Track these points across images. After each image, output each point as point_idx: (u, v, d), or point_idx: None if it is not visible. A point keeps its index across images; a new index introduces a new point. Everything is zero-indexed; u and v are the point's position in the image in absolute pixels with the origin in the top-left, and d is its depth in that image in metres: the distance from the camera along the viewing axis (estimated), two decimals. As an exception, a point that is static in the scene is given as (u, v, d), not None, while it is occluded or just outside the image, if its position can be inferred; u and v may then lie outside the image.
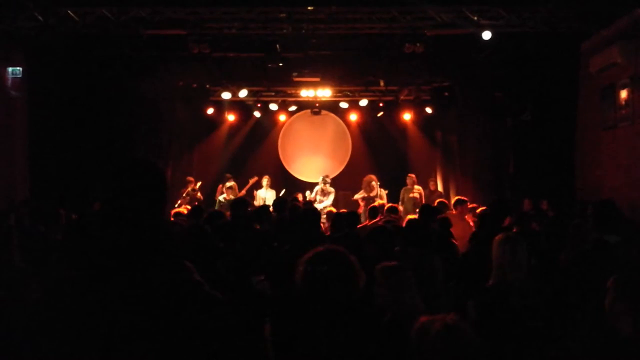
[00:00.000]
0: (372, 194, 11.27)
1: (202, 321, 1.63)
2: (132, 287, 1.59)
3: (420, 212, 6.68)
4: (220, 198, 11.14)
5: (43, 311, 1.64)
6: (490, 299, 3.33)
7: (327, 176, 11.70)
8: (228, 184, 11.26)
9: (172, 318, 1.58)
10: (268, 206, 7.08)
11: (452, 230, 6.25)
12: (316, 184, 11.72)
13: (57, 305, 1.61)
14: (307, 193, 11.46)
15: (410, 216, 8.17)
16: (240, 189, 11.67)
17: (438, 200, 8.55)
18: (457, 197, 8.34)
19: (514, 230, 5.51)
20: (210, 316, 1.66)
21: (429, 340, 2.01)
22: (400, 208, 10.52)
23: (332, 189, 11.49)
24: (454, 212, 7.58)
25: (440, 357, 1.98)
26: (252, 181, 11.89)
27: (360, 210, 10.98)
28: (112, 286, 1.59)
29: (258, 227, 5.89)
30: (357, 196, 11.56)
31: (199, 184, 11.38)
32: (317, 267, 2.37)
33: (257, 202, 11.26)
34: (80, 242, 3.85)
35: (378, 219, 7.27)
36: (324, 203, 10.94)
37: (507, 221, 5.54)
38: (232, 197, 10.94)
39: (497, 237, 3.57)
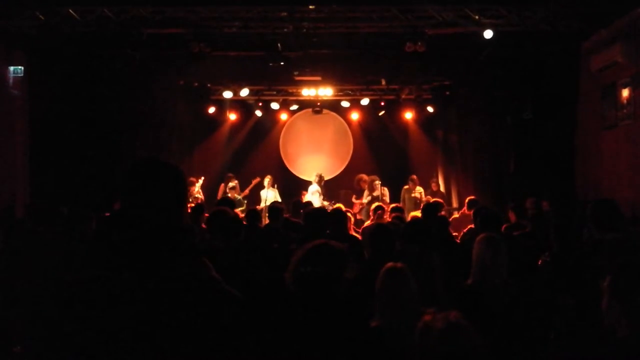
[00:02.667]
0: (374, 194, 11.28)
1: (219, 318, 1.65)
2: (150, 284, 1.61)
3: (422, 211, 6.73)
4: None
5: (59, 311, 1.66)
6: (467, 298, 3.33)
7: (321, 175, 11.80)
8: (231, 184, 11.26)
9: (189, 314, 1.61)
10: (280, 205, 7.12)
11: (464, 229, 6.30)
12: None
13: (73, 305, 1.63)
14: (317, 198, 11.30)
15: (412, 214, 8.22)
16: (242, 189, 11.70)
17: (434, 200, 8.55)
18: (470, 198, 8.35)
19: (502, 229, 5.53)
20: (228, 313, 1.67)
21: (432, 338, 1.98)
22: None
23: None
24: (467, 212, 7.61)
25: (443, 355, 1.96)
26: (254, 182, 11.93)
27: (356, 209, 11.03)
28: (131, 284, 1.61)
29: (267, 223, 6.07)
30: (364, 201, 11.45)
31: (200, 182, 11.33)
32: (305, 262, 2.42)
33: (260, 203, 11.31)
34: (103, 242, 3.87)
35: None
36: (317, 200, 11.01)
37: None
38: (236, 196, 10.98)
39: (478, 237, 3.57)
